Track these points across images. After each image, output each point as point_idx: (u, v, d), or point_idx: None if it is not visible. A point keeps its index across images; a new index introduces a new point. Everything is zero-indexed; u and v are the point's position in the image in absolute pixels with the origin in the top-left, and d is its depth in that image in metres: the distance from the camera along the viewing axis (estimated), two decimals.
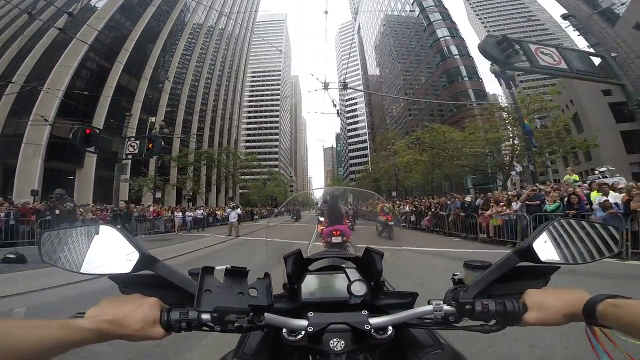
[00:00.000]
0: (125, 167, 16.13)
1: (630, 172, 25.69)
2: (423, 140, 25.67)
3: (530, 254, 0.65)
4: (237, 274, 0.62)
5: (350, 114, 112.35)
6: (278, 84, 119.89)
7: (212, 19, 54.02)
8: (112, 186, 17.08)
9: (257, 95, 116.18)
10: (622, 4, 35.96)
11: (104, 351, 2.25)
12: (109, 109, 29.39)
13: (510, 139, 21.34)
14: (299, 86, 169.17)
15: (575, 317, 0.55)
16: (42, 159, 25.19)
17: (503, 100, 31.38)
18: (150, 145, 14.13)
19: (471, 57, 45.16)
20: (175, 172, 34.82)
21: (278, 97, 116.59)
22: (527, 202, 8.79)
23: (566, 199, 7.78)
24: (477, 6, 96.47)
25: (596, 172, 19.92)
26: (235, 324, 0.58)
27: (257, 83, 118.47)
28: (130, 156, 14.68)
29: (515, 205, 9.08)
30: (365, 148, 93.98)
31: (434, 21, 47.78)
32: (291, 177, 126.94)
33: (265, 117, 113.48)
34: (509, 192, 11.23)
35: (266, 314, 0.61)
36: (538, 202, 8.53)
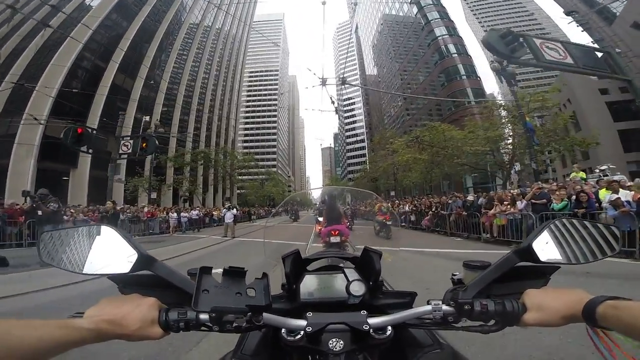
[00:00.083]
0: (119, 167, 15.76)
1: (628, 171, 25.70)
2: (423, 139, 25.39)
3: (530, 254, 0.65)
4: (235, 274, 0.62)
5: (348, 114, 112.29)
6: (276, 84, 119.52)
7: (209, 18, 53.67)
8: (107, 187, 16.77)
9: (254, 95, 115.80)
10: (619, 0, 36.03)
11: (102, 351, 2.23)
12: (104, 108, 29.10)
13: (510, 137, 21.16)
14: (296, 86, 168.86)
15: (575, 318, 0.55)
16: (35, 159, 24.78)
17: (501, 99, 31.19)
18: (144, 144, 13.79)
19: (469, 55, 45.05)
20: (171, 173, 34.48)
21: (276, 96, 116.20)
22: (532, 200, 8.53)
23: (574, 197, 7.51)
24: (475, 6, 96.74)
25: (597, 170, 19.86)
26: (234, 324, 0.58)
27: (255, 83, 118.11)
28: (123, 156, 14.33)
29: (521, 204, 8.80)
30: (363, 148, 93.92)
31: (431, 20, 47.61)
32: (289, 177, 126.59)
33: (263, 116, 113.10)
34: (513, 191, 10.95)
35: (265, 314, 0.60)
36: (544, 200, 8.27)
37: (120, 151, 13.98)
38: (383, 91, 64.51)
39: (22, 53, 27.36)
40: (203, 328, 0.60)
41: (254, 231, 15.80)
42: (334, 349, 0.62)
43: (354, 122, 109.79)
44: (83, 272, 0.61)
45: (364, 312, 0.66)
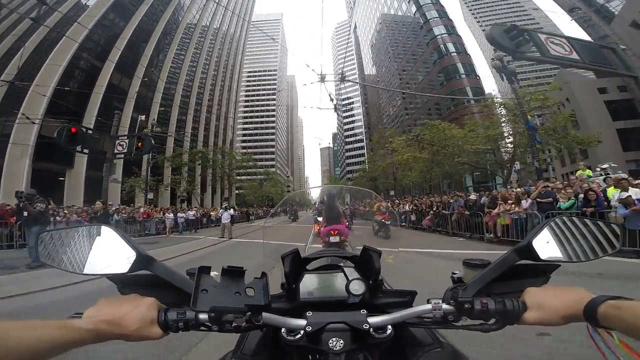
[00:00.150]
0: (114, 167, 15.50)
1: (627, 170, 25.67)
2: (423, 138, 25.17)
3: (530, 252, 0.65)
4: (233, 273, 0.61)
5: (347, 114, 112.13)
6: (274, 83, 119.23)
7: (207, 18, 53.37)
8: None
9: (253, 95, 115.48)
10: None
11: (101, 351, 2.22)
12: (100, 108, 28.82)
13: (511, 136, 20.99)
14: (295, 86, 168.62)
15: (576, 317, 0.55)
16: (30, 159, 24.43)
17: (501, 97, 31.07)
18: (140, 144, 13.54)
19: (468, 54, 44.93)
20: (169, 173, 34.20)
21: (274, 96, 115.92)
22: (538, 199, 8.31)
23: (582, 195, 7.29)
24: (473, 5, 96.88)
25: (598, 168, 19.71)
26: (233, 324, 0.58)
27: (253, 82, 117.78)
28: (119, 156, 14.07)
29: (526, 203, 8.58)
30: (362, 147, 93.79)
31: (430, 19, 47.49)
32: (288, 177, 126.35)
33: (262, 116, 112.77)
34: (518, 190, 10.73)
35: (264, 314, 0.60)
36: (550, 199, 8.06)
37: (116, 151, 13.74)
38: (382, 87, 64.30)
39: (17, 52, 27.03)
40: (202, 328, 0.60)
41: (252, 232, 15.54)
42: (334, 349, 0.61)
43: (353, 122, 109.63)
44: (82, 272, 0.61)
45: (363, 311, 0.65)
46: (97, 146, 14.57)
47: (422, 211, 15.84)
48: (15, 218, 9.99)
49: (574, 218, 0.68)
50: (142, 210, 17.06)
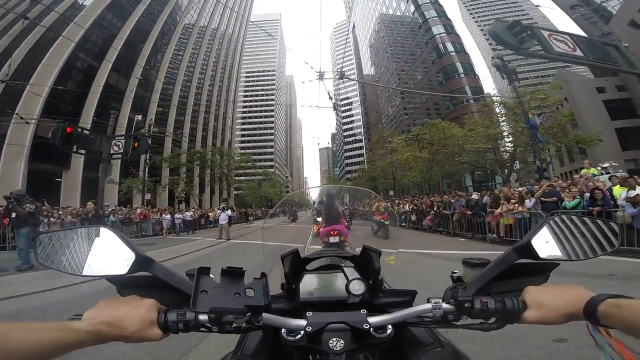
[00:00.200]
0: (110, 168, 15.25)
1: (626, 169, 25.64)
2: (422, 137, 24.99)
3: (529, 251, 0.64)
4: (233, 274, 0.61)
5: (346, 114, 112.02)
6: (273, 84, 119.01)
7: (205, 18, 53.13)
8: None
9: (251, 96, 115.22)
10: None
11: (102, 353, 2.21)
12: (97, 108, 28.60)
13: (511, 135, 20.87)
14: (294, 87, 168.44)
15: (576, 316, 0.54)
16: (25, 160, 24.18)
17: (500, 96, 30.98)
18: (136, 144, 13.33)
19: (467, 53, 44.87)
20: (167, 173, 33.91)
21: (273, 97, 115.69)
22: (542, 198, 8.14)
23: (587, 194, 7.12)
24: (471, 5, 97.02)
25: (598, 167, 19.63)
26: (233, 325, 0.57)
27: (252, 83, 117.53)
28: (115, 156, 13.86)
29: (529, 203, 8.42)
30: (361, 147, 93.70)
31: (429, 18, 47.42)
32: (287, 177, 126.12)
33: (261, 117, 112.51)
34: (521, 189, 10.57)
35: (264, 314, 0.60)
36: (555, 198, 7.89)
37: (112, 151, 13.54)
38: (381, 85, 64.21)
39: (13, 52, 26.76)
40: (202, 329, 0.59)
41: (250, 233, 15.33)
42: (335, 349, 0.61)
43: (352, 122, 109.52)
44: (81, 274, 0.61)
45: (364, 311, 0.65)
46: (93, 146, 14.34)
47: (423, 211, 15.68)
48: (7, 220, 9.76)
49: (572, 216, 0.68)
50: (138, 211, 16.83)
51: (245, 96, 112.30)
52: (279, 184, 66.28)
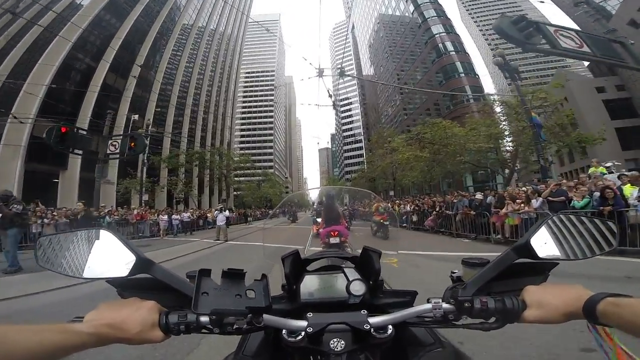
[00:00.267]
0: (106, 168, 15.01)
1: (627, 169, 25.53)
2: (423, 136, 24.75)
3: (528, 251, 0.64)
4: (234, 276, 0.61)
5: (345, 114, 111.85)
6: (272, 84, 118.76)
7: (204, 18, 52.90)
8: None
9: (251, 96, 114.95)
10: None
11: (102, 355, 2.17)
12: (94, 108, 28.35)
13: (512, 134, 20.66)
14: (293, 87, 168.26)
15: (575, 315, 0.54)
16: (22, 160, 23.90)
17: (501, 95, 30.79)
18: (132, 144, 13.10)
19: (467, 53, 44.72)
20: (165, 174, 33.62)
21: (272, 97, 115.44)
22: (549, 198, 7.92)
23: (597, 194, 6.90)
24: (470, 5, 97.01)
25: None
26: (234, 326, 0.57)
27: (251, 84, 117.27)
28: (112, 156, 13.62)
29: (536, 203, 8.19)
30: (360, 148, 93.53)
31: (428, 18, 47.27)
32: (286, 178, 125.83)
33: (260, 117, 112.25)
34: (525, 188, 10.34)
35: (265, 316, 0.60)
36: (562, 198, 7.67)
37: (108, 151, 13.30)
38: (381, 82, 64.04)
39: (10, 52, 26.51)
40: (204, 330, 0.59)
41: (248, 234, 15.07)
42: (335, 349, 0.61)
43: (351, 122, 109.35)
44: (82, 276, 0.60)
45: (364, 312, 0.65)
46: (89, 146, 14.13)
47: (424, 211, 15.45)
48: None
49: (571, 216, 0.67)
50: (135, 212, 16.56)
51: (245, 96, 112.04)
52: (278, 185, 66.03)
